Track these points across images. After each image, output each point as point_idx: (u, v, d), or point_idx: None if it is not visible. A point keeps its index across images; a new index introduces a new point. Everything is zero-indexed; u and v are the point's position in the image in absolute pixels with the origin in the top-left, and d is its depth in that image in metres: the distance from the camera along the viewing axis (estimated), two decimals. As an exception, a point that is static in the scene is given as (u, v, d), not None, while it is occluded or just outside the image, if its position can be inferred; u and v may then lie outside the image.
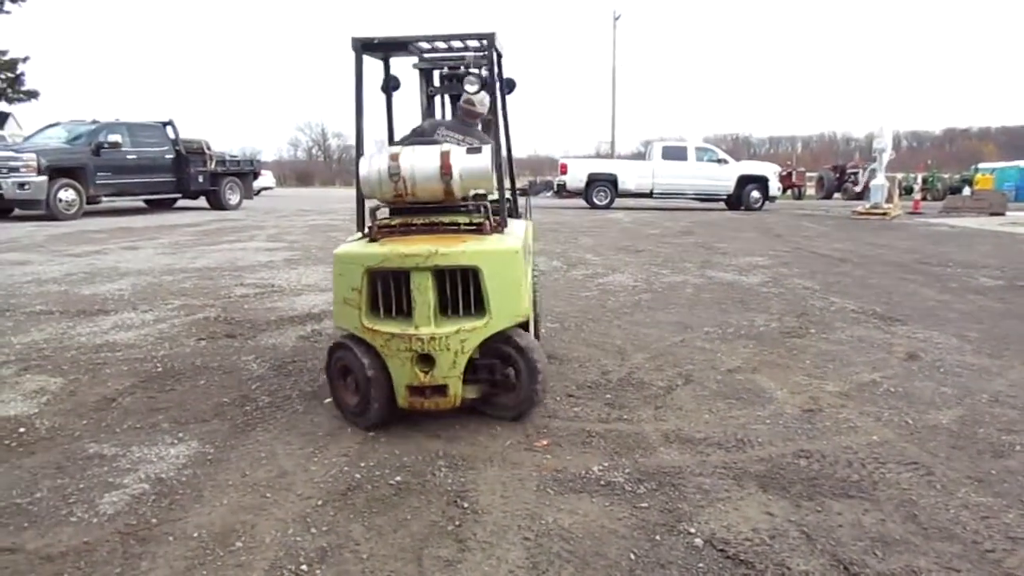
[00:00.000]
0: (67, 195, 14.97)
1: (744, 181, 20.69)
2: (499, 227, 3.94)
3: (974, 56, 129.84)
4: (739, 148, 64.01)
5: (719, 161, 20.77)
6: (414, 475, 3.16)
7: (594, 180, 20.74)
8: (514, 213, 4.90)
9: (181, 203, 19.32)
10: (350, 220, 16.12)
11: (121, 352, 5.00)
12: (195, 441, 3.51)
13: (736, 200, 20.70)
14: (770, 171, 21.76)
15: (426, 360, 3.64)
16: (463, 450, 3.43)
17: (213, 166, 18.47)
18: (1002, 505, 2.89)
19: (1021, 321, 6.11)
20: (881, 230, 14.41)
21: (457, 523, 2.75)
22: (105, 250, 10.30)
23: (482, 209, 3.88)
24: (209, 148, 18.57)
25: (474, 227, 3.88)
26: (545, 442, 3.52)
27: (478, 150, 3.85)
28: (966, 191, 25.74)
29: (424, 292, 3.58)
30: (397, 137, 4.69)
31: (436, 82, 5.00)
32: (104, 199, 16.46)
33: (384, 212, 4.03)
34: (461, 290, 3.66)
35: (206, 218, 16.14)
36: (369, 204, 4.00)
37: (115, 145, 15.98)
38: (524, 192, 5.67)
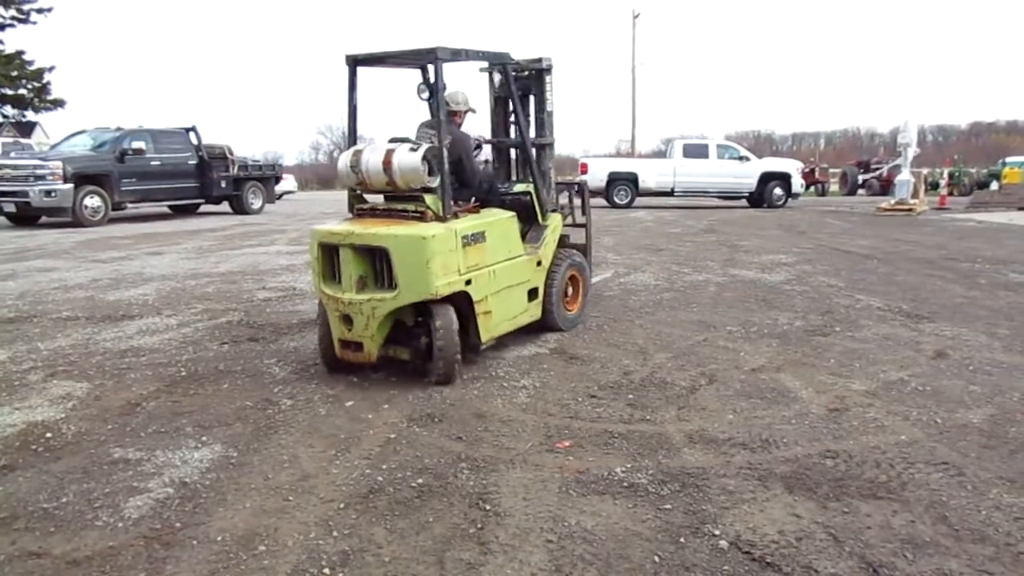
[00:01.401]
0: (93, 202, 15.15)
1: (766, 178, 20.46)
2: (441, 216, 4.53)
3: (1001, 48, 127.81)
4: (761, 145, 63.28)
5: (741, 158, 20.57)
6: (436, 477, 3.15)
7: (614, 179, 20.60)
8: (536, 207, 5.45)
9: (204, 208, 19.50)
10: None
11: (146, 357, 5.05)
12: (218, 445, 3.53)
13: (759, 197, 20.48)
14: (793, 168, 21.51)
15: (348, 320, 4.44)
16: (485, 452, 3.41)
17: (235, 171, 18.59)
18: (1036, 506, 2.83)
19: (1052, 317, 5.98)
20: (907, 226, 14.21)
21: (479, 526, 2.74)
22: (130, 256, 10.42)
23: (422, 200, 4.57)
24: (231, 153, 18.71)
25: (417, 215, 4.57)
26: (567, 443, 3.50)
27: (415, 149, 4.52)
28: (994, 186, 25.29)
29: (347, 264, 4.42)
30: None
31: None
32: (129, 205, 16.65)
33: (379, 201, 4.88)
34: (385, 267, 4.39)
35: (229, 223, 16.27)
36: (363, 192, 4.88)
37: (139, 152, 16.14)
38: (568, 187, 6.29)
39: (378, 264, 4.43)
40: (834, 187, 33.87)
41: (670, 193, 20.71)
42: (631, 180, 20.58)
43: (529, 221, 5.48)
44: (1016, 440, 3.46)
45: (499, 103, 5.68)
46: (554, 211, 5.67)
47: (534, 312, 5.39)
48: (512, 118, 5.66)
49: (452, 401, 4.10)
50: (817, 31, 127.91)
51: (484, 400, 4.13)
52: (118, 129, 16.72)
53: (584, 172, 21.21)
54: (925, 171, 24.81)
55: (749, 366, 4.70)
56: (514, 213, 5.19)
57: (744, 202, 21.08)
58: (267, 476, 3.19)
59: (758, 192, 20.44)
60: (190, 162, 17.60)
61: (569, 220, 6.05)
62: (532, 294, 5.31)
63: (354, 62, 4.89)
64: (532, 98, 5.68)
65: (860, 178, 31.22)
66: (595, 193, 21.39)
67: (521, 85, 5.53)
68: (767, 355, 4.94)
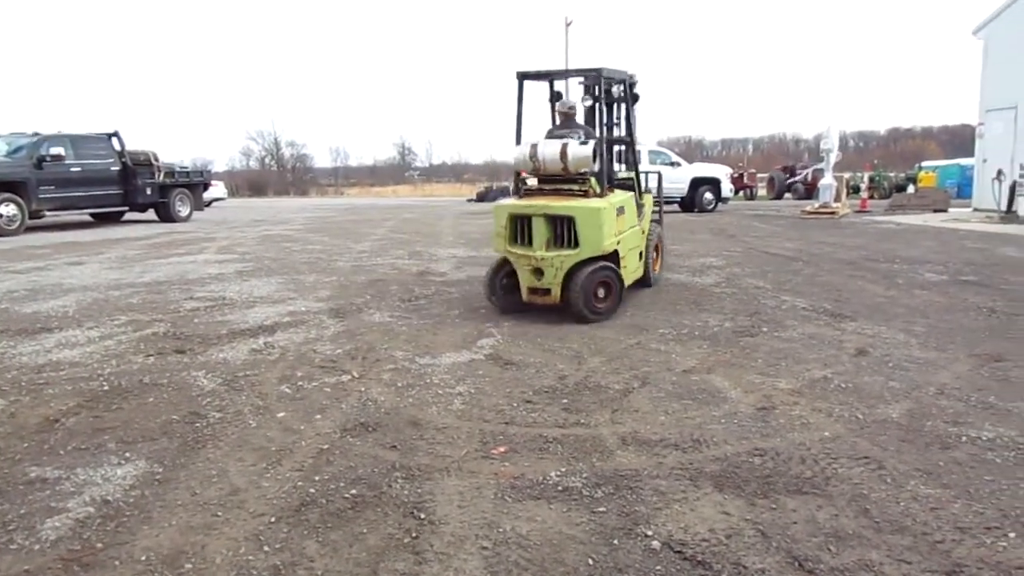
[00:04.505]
0: (8, 210, 14.54)
1: (697, 183, 20.89)
2: (599, 194, 6.19)
3: (917, 59, 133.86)
4: (692, 150, 64.74)
5: (672, 164, 20.91)
6: (370, 488, 3.11)
7: (549, 185, 20.72)
8: (636, 189, 7.30)
9: (129, 216, 18.89)
10: (305, 230, 15.92)
11: (65, 371, 4.85)
12: (143, 461, 3.42)
13: (690, 202, 20.88)
14: (722, 173, 22.02)
15: (538, 272, 6.06)
16: (420, 460, 3.39)
17: (161, 177, 18.10)
18: (950, 496, 2.95)
19: (964, 314, 6.27)
20: (830, 229, 14.70)
21: (414, 535, 2.72)
22: (49, 266, 10.01)
23: (586, 181, 6.19)
24: (157, 159, 18.19)
25: (582, 192, 6.16)
26: (502, 449, 3.50)
27: (585, 143, 6.17)
28: (911, 189, 26.38)
29: (539, 229, 6.02)
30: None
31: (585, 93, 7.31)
32: (48, 214, 16.05)
33: (534, 183, 6.49)
34: (565, 231, 6.00)
35: (155, 231, 15.80)
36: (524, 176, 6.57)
37: (58, 158, 15.58)
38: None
39: (559, 229, 6.02)
40: (762, 191, 34.85)
41: (604, 198, 20.91)
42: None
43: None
44: (932, 433, 3.61)
45: (594, 105, 7.25)
46: (646, 192, 7.58)
47: (640, 271, 7.17)
48: (614, 120, 7.60)
49: (387, 409, 4.06)
50: (744, 41, 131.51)
51: (419, 408, 4.10)
52: (35, 134, 16.11)
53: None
54: (847, 175, 25.73)
55: (681, 368, 4.79)
56: (632, 193, 7.01)
57: (676, 207, 21.47)
58: (194, 492, 3.10)
59: (689, 197, 20.84)
60: (113, 168, 17.06)
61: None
62: (640, 256, 7.11)
63: (523, 76, 6.66)
64: (624, 106, 7.45)
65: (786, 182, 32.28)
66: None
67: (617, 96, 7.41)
68: (698, 357, 5.04)
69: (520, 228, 6.13)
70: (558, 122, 6.87)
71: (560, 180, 6.24)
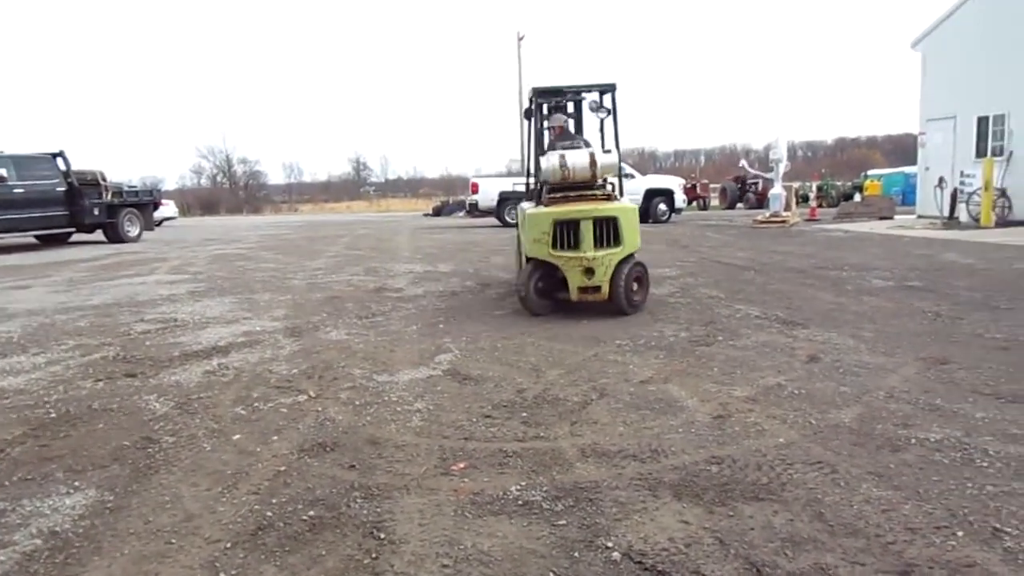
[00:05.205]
0: (-52, 233, 14.09)
1: (651, 194, 21.18)
2: (619, 197, 7.03)
3: (860, 69, 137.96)
4: (645, 162, 65.72)
5: (626, 175, 21.10)
6: (328, 509, 3.07)
7: (505, 198, 20.77)
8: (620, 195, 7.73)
9: (76, 237, 18.44)
10: (259, 248, 15.71)
11: (9, 399, 4.70)
12: (92, 489, 3.32)
13: (644, 213, 21.07)
14: (675, 184, 22.39)
15: (589, 272, 6.61)
16: (379, 479, 3.36)
17: (109, 197, 17.73)
18: (901, 498, 3.02)
19: (911, 319, 6.44)
20: (780, 237, 15.00)
21: (374, 555, 2.69)
22: (-9, 290, 9.70)
23: (610, 187, 7.02)
24: (104, 179, 17.84)
25: (606, 197, 6.83)
26: (462, 465, 3.49)
27: (610, 152, 6.96)
28: (857, 197, 27.08)
29: (587, 232, 6.58)
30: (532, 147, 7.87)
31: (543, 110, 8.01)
32: (-11, 236, 15.60)
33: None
34: (605, 231, 6.62)
35: (103, 252, 15.43)
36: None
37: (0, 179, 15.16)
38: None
39: (598, 230, 6.60)
40: (715, 202, 35.44)
41: (560, 211, 21.03)
42: (522, 199, 20.81)
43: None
44: (882, 437, 3.70)
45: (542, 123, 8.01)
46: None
47: None
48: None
49: (344, 428, 4.02)
50: (694, 53, 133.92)
51: (377, 426, 4.06)
52: (-25, 155, 15.65)
53: (475, 192, 21.31)
54: (796, 185, 26.33)
55: (638, 378, 4.82)
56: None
57: (631, 218, 21.64)
58: (147, 519, 3.02)
59: (643, 208, 21.07)
60: (58, 189, 16.69)
61: None
62: None
63: (539, 93, 7.40)
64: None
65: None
66: (486, 212, 21.54)
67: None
68: (655, 367, 5.09)
69: (563, 232, 6.62)
70: (552, 136, 7.57)
71: (582, 187, 6.81)
